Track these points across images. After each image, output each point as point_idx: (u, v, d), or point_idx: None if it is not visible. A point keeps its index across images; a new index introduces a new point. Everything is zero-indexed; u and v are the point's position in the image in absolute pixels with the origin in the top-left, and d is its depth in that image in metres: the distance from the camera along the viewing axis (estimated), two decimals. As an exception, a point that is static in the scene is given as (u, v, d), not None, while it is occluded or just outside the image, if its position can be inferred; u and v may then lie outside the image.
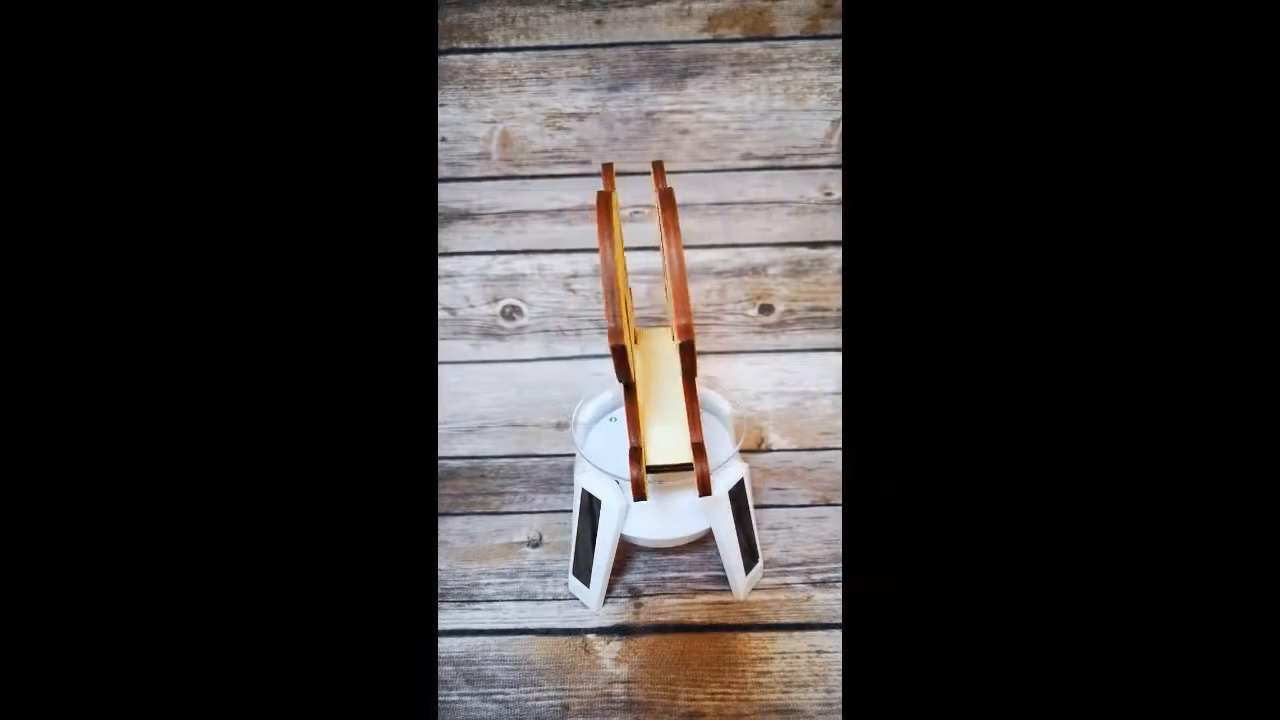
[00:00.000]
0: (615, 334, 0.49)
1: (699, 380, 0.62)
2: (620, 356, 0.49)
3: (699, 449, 0.55)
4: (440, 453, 0.77)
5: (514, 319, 0.86)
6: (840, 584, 0.66)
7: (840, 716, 0.59)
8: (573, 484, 0.75)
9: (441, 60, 0.87)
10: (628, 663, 0.63)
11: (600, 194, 0.50)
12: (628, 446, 0.56)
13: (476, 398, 0.81)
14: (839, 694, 0.60)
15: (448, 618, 0.66)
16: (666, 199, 0.50)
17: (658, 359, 0.64)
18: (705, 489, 0.55)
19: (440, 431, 0.78)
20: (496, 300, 0.86)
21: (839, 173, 0.87)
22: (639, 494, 0.54)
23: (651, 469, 0.56)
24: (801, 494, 0.73)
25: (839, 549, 0.69)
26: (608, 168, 0.57)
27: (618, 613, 0.66)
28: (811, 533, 0.70)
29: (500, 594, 0.67)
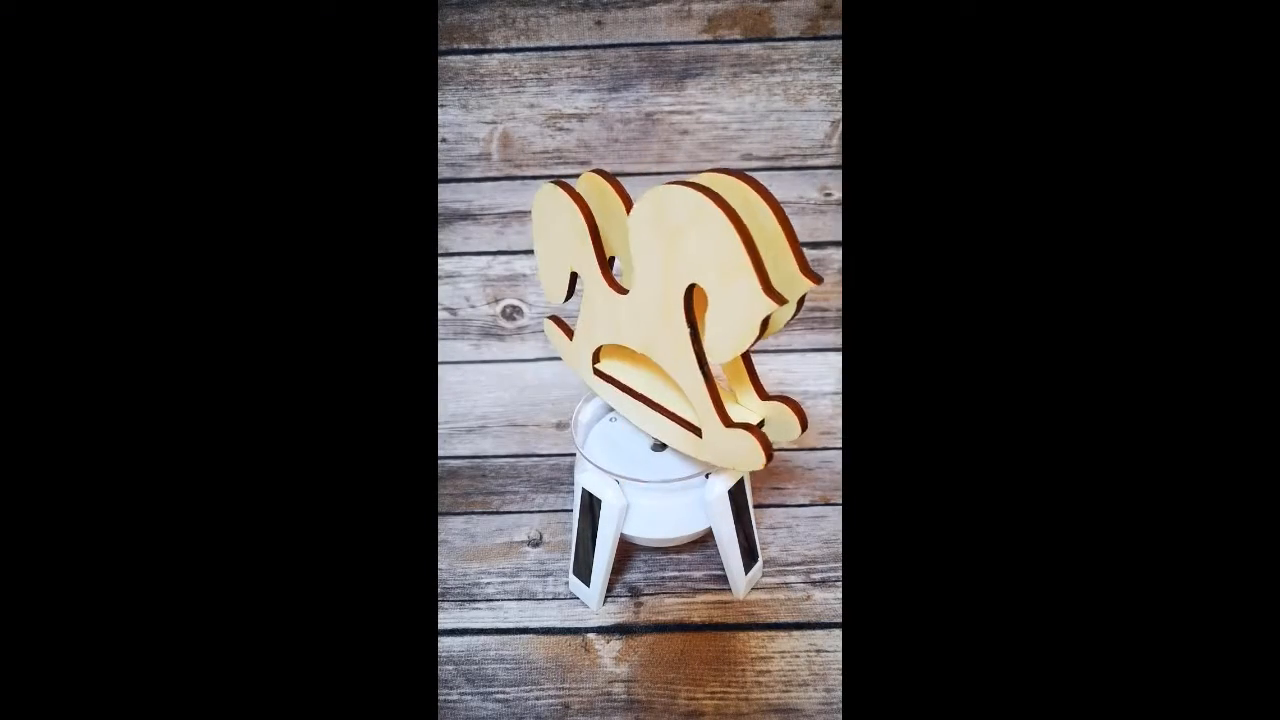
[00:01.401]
0: (778, 298, 0.48)
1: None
2: (763, 326, 0.50)
3: (786, 399, 0.57)
4: (440, 453, 0.77)
5: (514, 319, 0.86)
6: (840, 583, 0.66)
7: (840, 716, 0.59)
8: (573, 484, 0.75)
9: (442, 61, 0.87)
10: (628, 662, 0.63)
11: (721, 198, 0.49)
12: (733, 424, 0.55)
13: (477, 398, 0.81)
14: (839, 693, 0.60)
15: (448, 617, 0.66)
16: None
17: (636, 358, 0.64)
18: (805, 423, 0.57)
19: (440, 431, 0.78)
20: (497, 300, 0.86)
21: (839, 173, 0.87)
22: (770, 456, 0.54)
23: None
24: (801, 494, 0.73)
25: (839, 549, 0.69)
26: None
27: (618, 612, 0.66)
28: (811, 532, 0.70)
29: (500, 593, 0.67)
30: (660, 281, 0.53)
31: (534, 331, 0.86)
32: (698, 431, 0.57)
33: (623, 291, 0.57)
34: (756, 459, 0.53)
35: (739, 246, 0.47)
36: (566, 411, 0.82)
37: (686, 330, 0.52)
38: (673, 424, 0.59)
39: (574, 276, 0.61)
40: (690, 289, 0.51)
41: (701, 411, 0.55)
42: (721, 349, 0.51)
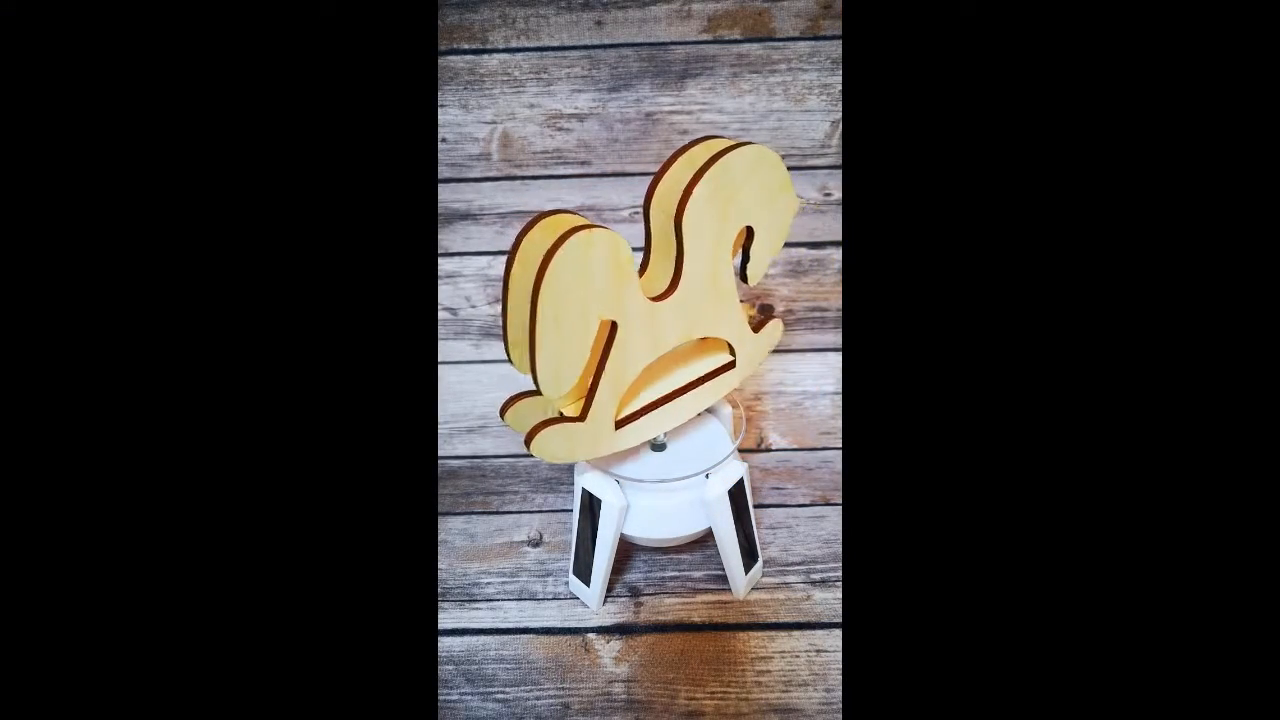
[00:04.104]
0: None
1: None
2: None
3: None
4: (440, 453, 0.77)
5: (514, 319, 0.86)
6: (840, 584, 0.66)
7: (840, 716, 0.59)
8: (573, 484, 0.75)
9: (442, 61, 0.87)
10: (628, 662, 0.63)
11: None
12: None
13: (476, 398, 0.81)
14: (839, 694, 0.60)
15: (448, 617, 0.66)
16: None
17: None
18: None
19: (440, 431, 0.78)
20: (497, 300, 0.86)
21: (839, 173, 0.87)
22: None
23: None
24: (801, 494, 0.73)
25: (839, 549, 0.69)
26: None
27: (618, 612, 0.66)
28: (811, 532, 0.70)
29: (500, 593, 0.67)
30: (711, 251, 0.56)
31: (534, 331, 0.86)
32: (730, 366, 0.62)
33: (667, 294, 0.56)
34: (779, 330, 0.64)
35: (785, 173, 0.56)
36: (566, 411, 0.81)
37: (735, 277, 0.58)
38: (710, 385, 0.61)
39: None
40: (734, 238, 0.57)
41: (741, 336, 0.61)
42: (763, 267, 0.59)
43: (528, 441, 0.55)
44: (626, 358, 0.56)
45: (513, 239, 0.53)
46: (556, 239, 0.50)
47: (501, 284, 0.53)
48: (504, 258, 0.53)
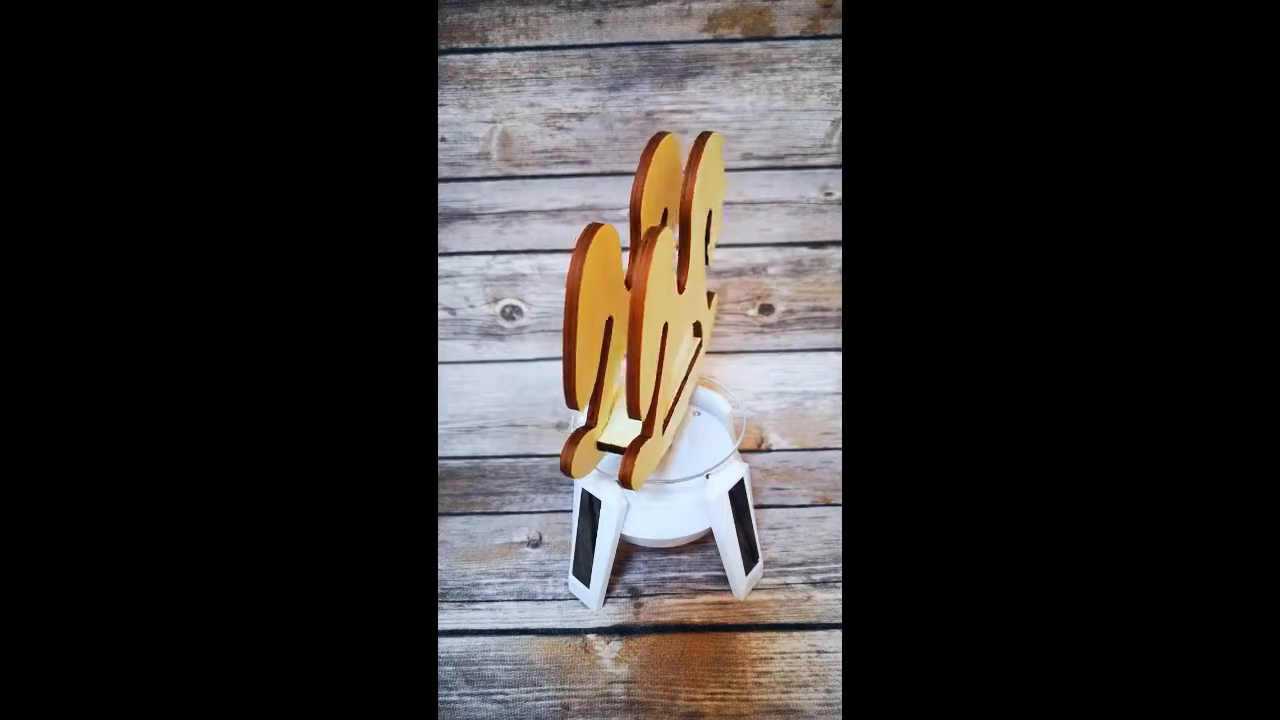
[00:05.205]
0: None
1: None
2: None
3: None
4: (440, 453, 0.77)
5: (514, 319, 0.86)
6: (840, 584, 0.66)
7: (840, 716, 0.59)
8: (572, 484, 0.75)
9: (441, 60, 0.87)
10: (628, 663, 0.63)
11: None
12: None
13: (476, 398, 0.81)
14: (839, 694, 0.60)
15: (448, 618, 0.66)
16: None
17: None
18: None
19: (440, 431, 0.78)
20: (496, 300, 0.86)
21: (839, 173, 0.87)
22: None
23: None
24: (801, 494, 0.73)
25: (839, 549, 0.69)
26: None
27: (618, 613, 0.66)
28: (811, 533, 0.70)
29: (500, 594, 0.67)
30: (700, 238, 0.58)
31: (534, 331, 0.86)
32: (700, 347, 0.64)
33: (682, 287, 0.57)
34: (718, 302, 0.68)
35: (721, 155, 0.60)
36: (566, 412, 0.81)
37: (704, 255, 0.61)
38: (695, 368, 0.64)
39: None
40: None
41: (704, 308, 0.64)
42: (713, 246, 0.62)
43: (627, 481, 0.52)
44: (671, 358, 0.56)
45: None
46: (643, 251, 0.48)
47: (566, 321, 0.48)
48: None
